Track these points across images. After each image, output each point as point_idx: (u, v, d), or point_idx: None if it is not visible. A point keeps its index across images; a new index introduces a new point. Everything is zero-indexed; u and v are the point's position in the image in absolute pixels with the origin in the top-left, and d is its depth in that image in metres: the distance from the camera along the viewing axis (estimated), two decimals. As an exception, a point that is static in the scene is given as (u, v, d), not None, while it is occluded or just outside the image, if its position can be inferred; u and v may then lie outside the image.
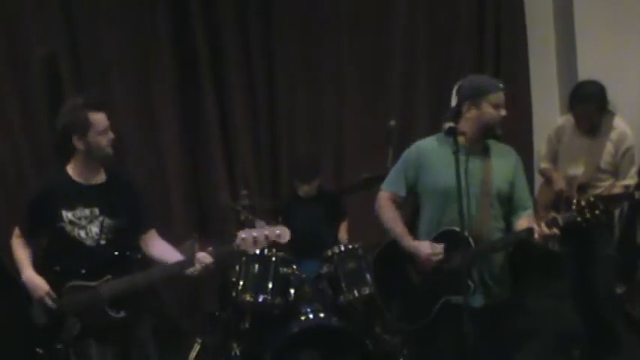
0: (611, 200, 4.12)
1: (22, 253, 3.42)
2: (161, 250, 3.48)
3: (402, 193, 3.47)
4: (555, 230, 3.15)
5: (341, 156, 5.80)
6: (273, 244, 3.35)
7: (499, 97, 3.32)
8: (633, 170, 4.27)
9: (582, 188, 4.21)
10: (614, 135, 4.24)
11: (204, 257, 3.31)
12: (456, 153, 3.12)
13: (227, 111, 5.76)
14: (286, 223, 4.82)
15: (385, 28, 5.79)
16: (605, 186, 4.26)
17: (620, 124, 4.27)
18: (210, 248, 3.35)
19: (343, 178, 5.66)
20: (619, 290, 4.75)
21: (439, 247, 3.33)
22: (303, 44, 5.83)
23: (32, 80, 5.41)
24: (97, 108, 3.33)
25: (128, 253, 3.40)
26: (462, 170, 3.23)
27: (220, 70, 5.73)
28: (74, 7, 5.49)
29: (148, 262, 3.50)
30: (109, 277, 3.30)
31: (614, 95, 4.29)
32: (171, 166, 5.66)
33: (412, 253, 3.39)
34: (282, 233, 3.31)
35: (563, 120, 4.50)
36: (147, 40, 5.64)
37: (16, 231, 3.48)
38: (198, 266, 3.30)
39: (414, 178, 3.44)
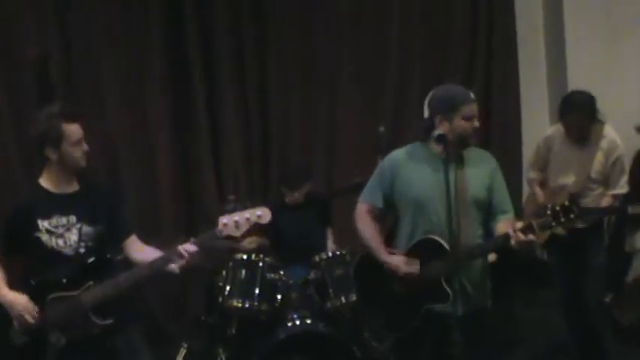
0: (600, 212, 4.14)
1: None
2: (144, 253, 3.41)
3: (379, 204, 3.47)
4: (531, 236, 3.12)
5: (333, 159, 5.80)
6: (255, 226, 3.29)
7: (471, 108, 3.31)
8: (623, 180, 4.28)
9: (573, 197, 4.21)
10: (604, 144, 4.24)
11: (187, 247, 3.24)
12: (446, 161, 3.14)
13: (218, 114, 5.74)
14: (275, 229, 4.86)
15: (380, 31, 5.81)
16: (596, 195, 4.26)
17: (610, 133, 4.27)
18: (192, 239, 3.29)
19: (334, 182, 5.65)
20: (607, 298, 4.75)
21: (415, 264, 3.32)
22: (297, 47, 5.81)
23: (24, 81, 5.39)
24: (72, 119, 3.27)
25: (109, 256, 3.35)
26: (437, 179, 3.26)
27: (212, 72, 5.71)
28: (68, 10, 5.48)
29: (131, 265, 3.39)
30: (90, 283, 3.23)
31: (603, 104, 4.30)
32: (161, 168, 5.64)
33: (387, 268, 3.39)
34: (263, 214, 3.25)
35: (553, 130, 4.49)
36: (139, 42, 5.62)
37: None
38: (183, 254, 3.21)
39: (389, 189, 3.44)
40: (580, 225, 4.14)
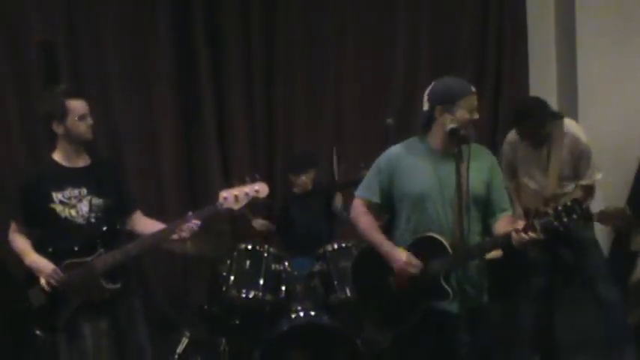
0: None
1: (21, 242, 3.56)
2: (149, 226, 3.64)
3: (376, 199, 3.43)
4: (533, 235, 3.08)
5: (338, 150, 5.76)
6: (253, 201, 3.48)
7: (471, 100, 3.26)
8: (590, 171, 4.26)
9: (548, 202, 4.17)
10: (567, 139, 4.25)
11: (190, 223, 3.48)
12: (458, 156, 3.09)
13: (224, 103, 5.73)
14: (282, 220, 4.85)
15: (387, 24, 5.78)
16: (569, 192, 4.26)
17: (570, 128, 4.29)
18: (190, 213, 3.51)
19: (340, 173, 5.61)
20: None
21: (417, 262, 3.29)
22: (303, 39, 5.80)
23: (29, 68, 5.38)
24: (76, 95, 3.52)
25: (118, 227, 3.58)
26: (436, 175, 3.24)
27: (218, 61, 5.70)
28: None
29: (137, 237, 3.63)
30: (101, 251, 3.45)
31: (613, 102, 4.26)
32: (166, 157, 5.64)
33: (389, 261, 3.35)
34: (261, 189, 3.46)
35: (514, 135, 4.48)
36: (146, 31, 5.62)
37: (12, 225, 3.61)
38: (188, 227, 3.45)
39: (387, 184, 3.39)
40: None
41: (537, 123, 4.25)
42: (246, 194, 3.44)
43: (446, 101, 3.25)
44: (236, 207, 3.45)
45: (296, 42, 5.77)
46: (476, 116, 3.28)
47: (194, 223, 3.46)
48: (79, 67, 5.48)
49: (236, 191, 3.43)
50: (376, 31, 5.78)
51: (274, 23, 5.74)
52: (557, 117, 4.31)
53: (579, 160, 4.25)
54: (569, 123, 4.32)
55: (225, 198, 3.44)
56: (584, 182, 4.26)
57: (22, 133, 5.36)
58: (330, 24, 5.77)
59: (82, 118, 3.49)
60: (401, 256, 3.30)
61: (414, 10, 5.77)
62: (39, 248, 3.52)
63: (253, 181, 3.48)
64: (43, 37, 5.36)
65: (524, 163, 4.40)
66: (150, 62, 5.64)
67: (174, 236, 3.49)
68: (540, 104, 4.31)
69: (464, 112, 3.23)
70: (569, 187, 4.30)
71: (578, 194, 4.19)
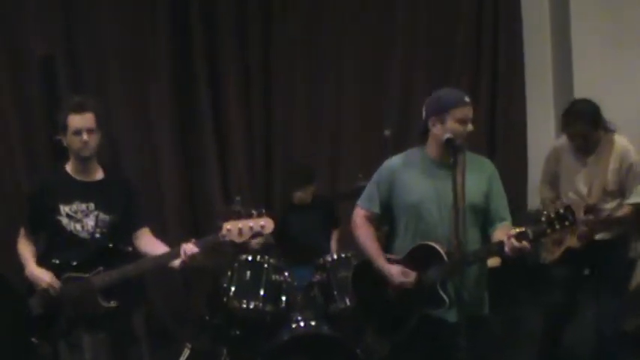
0: (613, 223, 4.07)
1: (25, 251, 3.60)
2: (153, 246, 3.62)
3: (376, 210, 3.47)
4: (525, 243, 3.09)
5: (337, 162, 5.80)
6: (257, 235, 3.43)
7: (464, 111, 3.27)
8: (638, 188, 4.12)
9: (590, 211, 4.12)
10: (616, 151, 4.14)
11: (189, 248, 3.42)
12: (453, 165, 3.12)
13: (222, 115, 5.75)
14: (281, 230, 4.86)
15: (384, 34, 5.81)
16: (612, 208, 4.16)
17: (621, 141, 4.18)
18: (193, 240, 3.46)
19: (339, 185, 5.65)
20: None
21: (411, 276, 3.31)
22: (303, 48, 5.82)
23: (30, 79, 5.41)
24: (75, 110, 3.49)
25: (120, 245, 3.57)
26: (434, 184, 3.28)
27: (217, 73, 5.72)
28: (73, 7, 5.50)
29: (139, 256, 3.63)
30: (100, 268, 3.45)
31: (610, 112, 4.24)
32: (165, 169, 5.67)
33: (384, 276, 3.39)
34: (266, 224, 3.37)
35: (561, 141, 4.38)
36: (145, 43, 5.64)
37: (22, 231, 3.66)
38: (183, 254, 3.41)
39: (386, 194, 3.43)
40: (604, 236, 4.17)
41: (591, 124, 4.11)
42: (251, 228, 3.35)
43: (438, 112, 3.28)
44: (239, 240, 3.37)
45: (295, 41, 5.79)
46: (469, 128, 3.29)
47: (193, 250, 3.41)
48: (77, 76, 5.50)
49: (240, 224, 3.34)
50: (374, 43, 5.80)
51: (272, 25, 5.76)
52: (609, 131, 4.18)
53: (628, 171, 4.11)
54: (620, 138, 4.20)
55: (228, 230, 3.35)
56: (631, 200, 4.09)
57: (22, 144, 5.38)
58: (329, 39, 5.80)
59: (76, 133, 3.46)
60: (396, 273, 3.33)
61: (412, 10, 5.80)
62: (44, 258, 3.55)
63: (260, 215, 3.38)
64: (43, 52, 5.38)
65: (567, 172, 4.28)
66: (148, 71, 5.66)
67: (175, 262, 3.48)
68: (597, 108, 4.15)
69: (454, 123, 3.24)
70: (614, 202, 4.16)
71: (626, 211, 4.07)
